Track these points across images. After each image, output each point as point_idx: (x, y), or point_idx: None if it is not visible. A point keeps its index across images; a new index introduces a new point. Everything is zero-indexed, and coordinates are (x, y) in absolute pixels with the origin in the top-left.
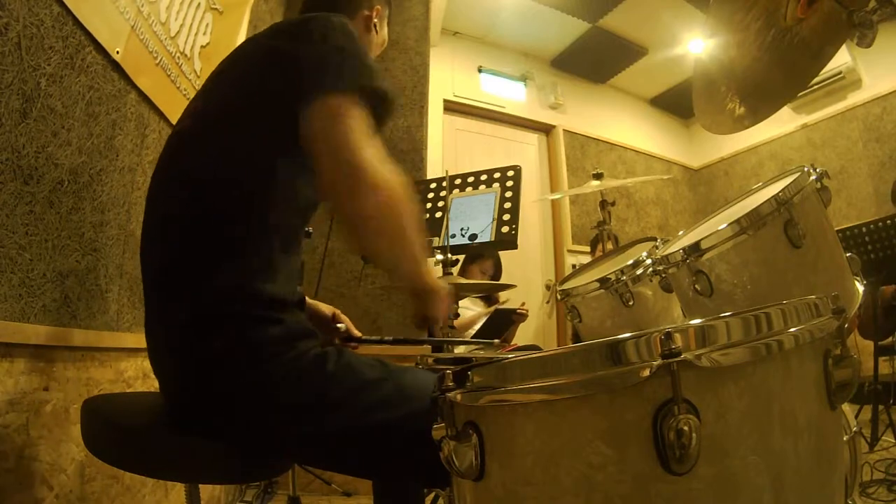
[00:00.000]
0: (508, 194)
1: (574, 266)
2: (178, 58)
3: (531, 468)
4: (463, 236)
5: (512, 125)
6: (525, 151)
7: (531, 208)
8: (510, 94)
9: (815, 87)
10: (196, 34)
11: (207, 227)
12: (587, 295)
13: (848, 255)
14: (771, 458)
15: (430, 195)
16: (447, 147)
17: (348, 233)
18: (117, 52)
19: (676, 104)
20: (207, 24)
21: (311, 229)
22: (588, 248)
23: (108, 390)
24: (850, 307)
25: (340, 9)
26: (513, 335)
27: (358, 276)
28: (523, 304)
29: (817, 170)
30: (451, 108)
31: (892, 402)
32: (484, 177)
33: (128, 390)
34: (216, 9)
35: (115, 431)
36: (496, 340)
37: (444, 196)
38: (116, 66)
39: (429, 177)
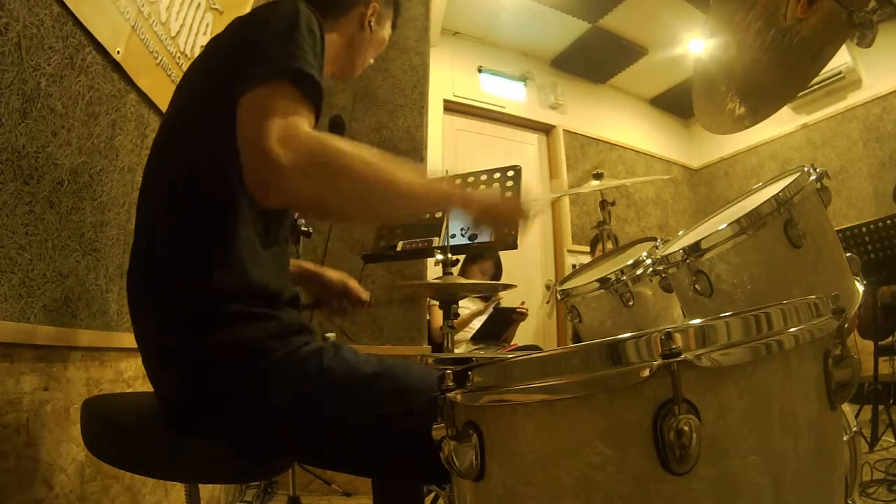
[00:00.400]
0: (508, 194)
1: (574, 266)
2: (179, 58)
3: (531, 468)
4: (463, 236)
5: (512, 125)
6: (525, 151)
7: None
8: (510, 94)
9: (815, 87)
10: (196, 34)
11: (188, 221)
12: (587, 295)
13: (848, 255)
14: (771, 458)
15: None
16: (447, 147)
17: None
18: (118, 52)
19: (676, 104)
20: (207, 24)
21: (311, 229)
22: (588, 248)
23: (108, 390)
24: (850, 307)
25: (334, 3)
26: (513, 335)
27: (358, 276)
28: (522, 303)
29: (817, 170)
30: (451, 108)
31: (892, 402)
32: (484, 177)
33: (128, 390)
34: (216, 9)
35: (115, 431)
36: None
37: None
38: (117, 66)
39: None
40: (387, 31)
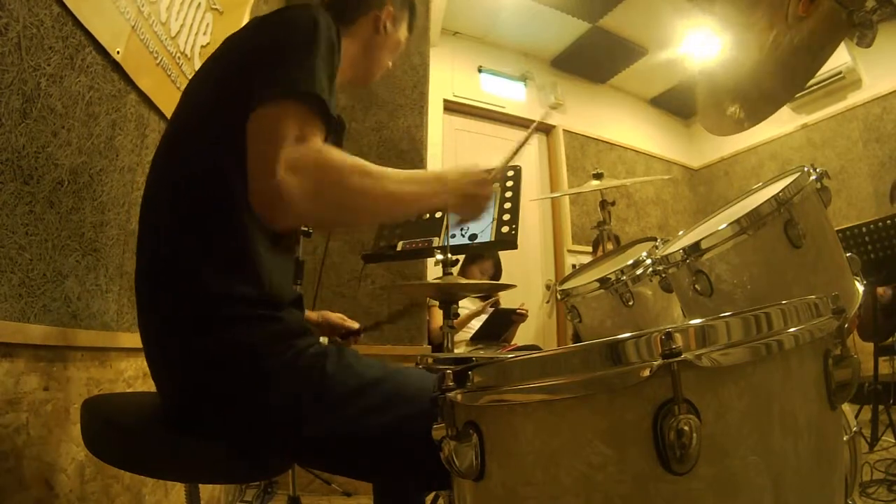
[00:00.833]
0: (508, 194)
1: (574, 266)
2: (179, 58)
3: (531, 468)
4: (463, 236)
5: (512, 125)
6: (525, 151)
7: (531, 208)
8: (510, 94)
9: (815, 87)
10: (196, 34)
11: (192, 222)
12: (587, 295)
13: (848, 255)
14: (771, 458)
15: None
16: (447, 147)
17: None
18: (118, 53)
19: (676, 104)
20: (208, 24)
21: (310, 229)
22: (589, 248)
23: (108, 390)
24: (850, 307)
25: (349, 7)
26: (513, 335)
27: (358, 276)
28: (522, 304)
29: (817, 170)
30: (451, 108)
31: (892, 402)
32: None
33: (128, 390)
34: (216, 9)
35: (115, 431)
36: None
37: None
38: (117, 67)
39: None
40: (402, 32)
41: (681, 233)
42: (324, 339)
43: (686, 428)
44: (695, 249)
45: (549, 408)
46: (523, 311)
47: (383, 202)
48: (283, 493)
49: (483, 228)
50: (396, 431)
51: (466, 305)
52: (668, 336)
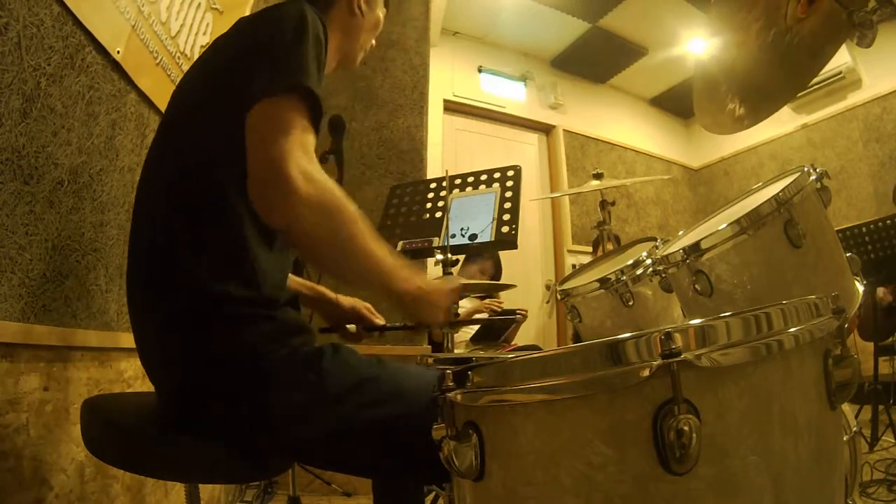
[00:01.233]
0: (508, 194)
1: (574, 266)
2: (179, 58)
3: (531, 468)
4: (463, 236)
5: (512, 125)
6: (525, 151)
7: (531, 208)
8: (510, 94)
9: (815, 87)
10: (196, 34)
11: (188, 220)
12: (587, 295)
13: (848, 255)
14: (771, 458)
15: (430, 195)
16: (447, 147)
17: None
18: (118, 52)
19: (676, 104)
20: (208, 24)
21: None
22: (589, 248)
23: (108, 390)
24: (850, 307)
25: None
26: (513, 335)
27: None
28: (522, 309)
29: (817, 170)
30: (451, 107)
31: (892, 402)
32: (484, 177)
33: (128, 390)
34: (216, 9)
35: (115, 431)
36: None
37: (444, 196)
38: (117, 66)
39: (429, 177)
40: (380, 11)
41: (681, 233)
42: (351, 327)
43: (686, 428)
44: (695, 249)
45: (549, 408)
46: (523, 312)
47: (360, 253)
48: (283, 493)
49: (483, 228)
50: (395, 426)
51: (465, 305)
52: (668, 336)
